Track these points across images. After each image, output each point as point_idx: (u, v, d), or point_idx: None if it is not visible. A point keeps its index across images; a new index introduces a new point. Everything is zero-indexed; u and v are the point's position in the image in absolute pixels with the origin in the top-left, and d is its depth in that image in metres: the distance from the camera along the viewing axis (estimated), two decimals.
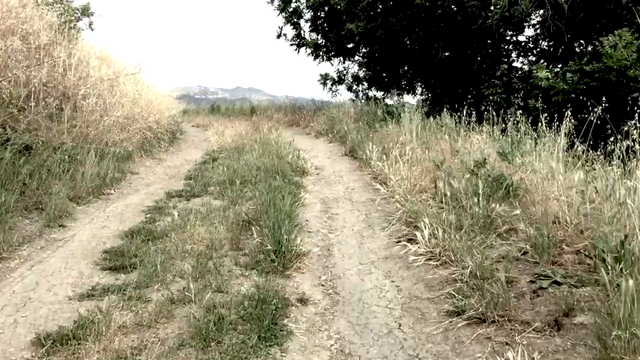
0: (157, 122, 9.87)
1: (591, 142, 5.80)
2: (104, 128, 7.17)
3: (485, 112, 10.45)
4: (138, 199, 5.72)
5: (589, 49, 9.47)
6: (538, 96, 8.65)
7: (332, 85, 15.10)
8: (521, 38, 12.17)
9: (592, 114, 5.86)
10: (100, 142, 6.96)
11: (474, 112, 7.55)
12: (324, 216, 5.10)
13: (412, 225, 4.33)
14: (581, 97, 8.26)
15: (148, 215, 5.01)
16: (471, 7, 10.66)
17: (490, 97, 10.20)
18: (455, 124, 8.21)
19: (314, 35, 13.75)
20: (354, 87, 15.21)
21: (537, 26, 11.13)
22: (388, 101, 15.52)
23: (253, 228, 4.20)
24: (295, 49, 14.09)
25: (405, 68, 13.27)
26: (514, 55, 12.29)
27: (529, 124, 6.67)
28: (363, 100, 15.86)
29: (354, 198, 5.74)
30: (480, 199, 3.88)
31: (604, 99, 4.91)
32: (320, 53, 13.45)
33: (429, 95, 12.71)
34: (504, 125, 7.04)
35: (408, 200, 4.61)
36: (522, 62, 12.23)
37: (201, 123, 16.78)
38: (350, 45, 13.44)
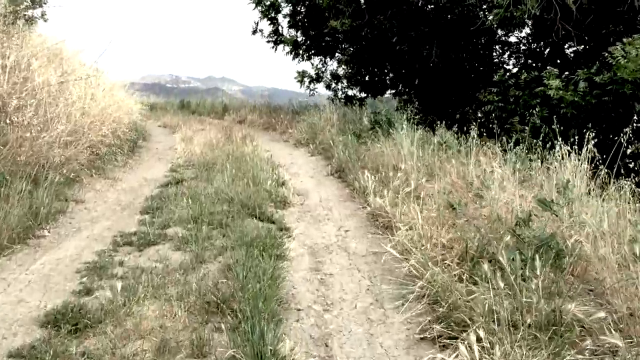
0: (114, 132, 8.53)
1: (619, 170, 4.83)
2: (43, 147, 5.85)
3: (483, 123, 9.40)
4: (76, 248, 4.45)
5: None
6: (540, 107, 7.68)
7: (309, 82, 13.91)
8: (512, 39, 11.22)
9: (621, 134, 4.89)
10: (37, 165, 5.65)
11: (473, 125, 6.47)
12: (315, 278, 3.93)
13: (437, 303, 3.22)
14: (594, 111, 7.32)
15: (83, 280, 3.75)
16: (468, 6, 9.59)
17: (487, 107, 9.20)
18: (458, 140, 7.15)
19: (292, 32, 12.53)
20: (333, 85, 14.05)
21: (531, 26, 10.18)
22: (373, 104, 14.47)
23: (223, 323, 3.01)
24: (273, 47, 12.84)
25: (392, 71, 12.14)
26: (505, 56, 11.33)
27: (537, 144, 5.67)
28: (342, 100, 14.82)
29: (350, 247, 4.58)
30: (540, 287, 2.77)
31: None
32: (300, 52, 12.23)
33: (416, 100, 11.60)
34: (505, 140, 6.02)
35: (428, 268, 3.48)
36: (513, 65, 11.28)
37: (169, 123, 15.42)
38: (331, 43, 12.25)
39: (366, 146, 8.38)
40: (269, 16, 12.19)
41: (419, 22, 10.37)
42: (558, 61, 10.00)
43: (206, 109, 19.56)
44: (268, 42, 12.83)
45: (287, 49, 12.22)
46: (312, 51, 12.54)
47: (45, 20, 11.94)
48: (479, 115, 9.06)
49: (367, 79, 12.88)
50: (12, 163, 5.38)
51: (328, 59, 13.01)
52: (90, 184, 6.47)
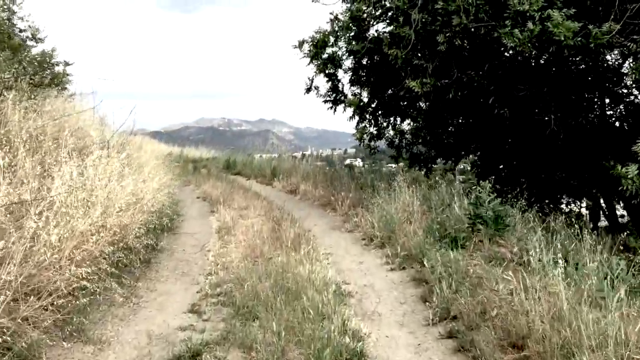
0: (121, 240, 6.19)
1: None
2: None
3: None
4: None
5: None
6: None
7: (369, 140, 11.39)
8: None
9: None
10: None
11: None
12: None
13: None
14: None
15: None
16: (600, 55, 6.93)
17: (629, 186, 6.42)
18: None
19: (355, 89, 10.11)
20: (396, 142, 11.51)
21: None
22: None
23: None
24: (331, 107, 10.43)
25: (480, 137, 9.47)
26: None
27: None
28: (406, 159, 12.42)
29: None
30: None
31: None
32: (365, 115, 9.76)
33: (524, 182, 8.80)
34: None
35: None
36: None
37: (209, 193, 13.20)
38: (405, 103, 9.76)
39: (473, 265, 5.70)
40: (327, 72, 9.85)
41: (529, 80, 7.74)
42: None
43: (253, 171, 17.36)
44: (325, 101, 10.47)
45: (349, 111, 9.82)
46: (380, 112, 10.08)
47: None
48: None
49: (443, 140, 10.29)
50: None
51: (398, 120, 10.52)
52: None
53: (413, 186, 8.68)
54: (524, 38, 7.10)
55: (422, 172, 12.93)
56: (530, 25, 7.22)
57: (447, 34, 7.61)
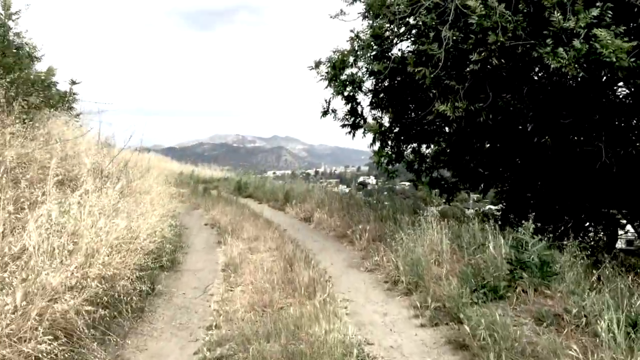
0: (112, 287, 5.34)
1: None
2: None
3: None
4: None
5: None
6: None
7: (387, 163, 10.48)
8: None
9: None
10: None
11: None
12: None
13: None
14: None
15: None
16: None
17: None
18: None
19: (376, 113, 9.26)
20: (416, 165, 10.60)
21: None
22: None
23: None
24: (349, 132, 9.59)
25: (510, 166, 8.53)
26: None
27: None
28: (426, 184, 11.60)
29: None
30: None
31: None
32: (388, 141, 8.89)
33: (570, 219, 7.81)
34: None
35: None
36: None
37: (218, 219, 12.35)
38: (432, 128, 8.89)
39: (520, 325, 4.78)
40: (346, 94, 9.03)
41: (575, 106, 6.84)
42: None
43: (265, 195, 16.52)
44: (343, 126, 9.63)
45: (369, 136, 8.94)
46: (402, 137, 9.20)
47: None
48: None
49: (470, 167, 9.36)
50: None
51: (424, 146, 9.64)
52: None
53: (440, 221, 7.75)
54: (570, 58, 6.23)
55: (443, 199, 12.06)
56: (576, 44, 6.36)
57: (482, 53, 6.76)
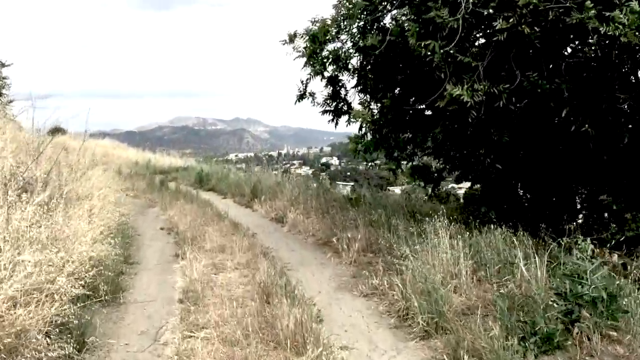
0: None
1: None
2: None
3: None
4: None
5: None
6: None
7: (365, 151, 8.95)
8: None
9: None
10: None
11: None
12: None
13: None
14: None
15: None
16: None
17: None
18: None
19: (363, 97, 7.61)
20: (396, 153, 9.05)
21: None
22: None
23: None
24: (332, 120, 7.93)
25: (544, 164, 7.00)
26: None
27: None
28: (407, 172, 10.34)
29: None
30: None
31: None
32: (382, 131, 7.24)
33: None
34: None
35: None
36: None
37: (175, 221, 10.57)
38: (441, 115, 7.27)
39: None
40: (328, 75, 7.34)
41: (626, 87, 5.36)
42: None
43: (229, 188, 14.70)
44: (324, 112, 7.95)
45: (363, 127, 7.24)
46: (399, 127, 7.51)
47: None
48: None
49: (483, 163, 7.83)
50: None
51: (423, 139, 8.01)
52: None
53: (449, 228, 6.22)
54: (632, 23, 4.75)
55: (428, 190, 10.65)
56: (634, 5, 4.87)
57: (510, 19, 5.18)
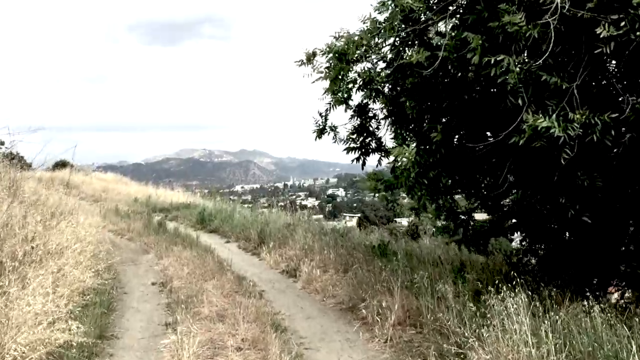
0: None
1: None
2: None
3: None
4: None
5: None
6: None
7: (386, 189, 7.42)
8: None
9: None
10: None
11: None
12: None
13: None
14: None
15: None
16: None
17: None
18: None
19: (398, 130, 6.09)
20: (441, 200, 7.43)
21: None
22: None
23: None
24: (358, 159, 6.41)
25: None
26: None
27: None
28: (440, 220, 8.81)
29: None
30: None
31: None
32: (433, 175, 5.63)
33: None
34: None
35: None
36: None
37: (170, 274, 8.97)
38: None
39: None
40: (353, 104, 5.85)
41: None
42: None
43: (234, 229, 13.11)
44: (349, 150, 6.42)
45: (401, 167, 5.67)
46: (455, 174, 5.89)
47: None
48: None
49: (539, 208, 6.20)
50: None
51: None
52: None
53: (529, 304, 4.60)
54: None
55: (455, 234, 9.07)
56: None
57: (621, 23, 3.70)
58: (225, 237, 13.20)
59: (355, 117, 6.21)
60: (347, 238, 9.87)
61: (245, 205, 21.00)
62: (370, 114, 6.20)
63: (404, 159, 4.87)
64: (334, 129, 6.46)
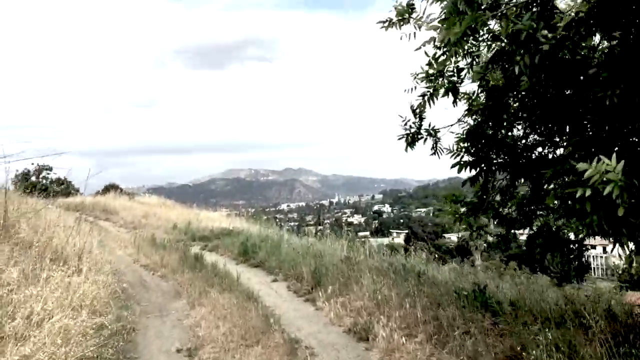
0: None
1: None
2: None
3: None
4: None
5: None
6: None
7: (469, 214, 4.89)
8: None
9: None
10: None
11: None
12: None
13: None
14: None
15: None
16: None
17: None
18: None
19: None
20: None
21: None
22: None
23: None
24: (476, 177, 3.99)
25: None
26: None
27: None
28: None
29: None
30: None
31: None
32: None
33: None
34: None
35: None
36: None
37: (202, 335, 6.75)
38: None
39: None
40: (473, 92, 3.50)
41: None
42: None
43: (282, 265, 10.82)
44: (461, 167, 4.06)
45: (606, 197, 3.20)
46: None
47: None
48: None
49: None
50: None
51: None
52: None
53: None
54: None
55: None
56: None
57: None
58: (271, 274, 10.92)
59: (478, 114, 3.82)
60: (425, 278, 7.39)
61: (291, 224, 18.86)
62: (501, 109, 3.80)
63: (609, 184, 2.43)
64: (433, 133, 4.09)
